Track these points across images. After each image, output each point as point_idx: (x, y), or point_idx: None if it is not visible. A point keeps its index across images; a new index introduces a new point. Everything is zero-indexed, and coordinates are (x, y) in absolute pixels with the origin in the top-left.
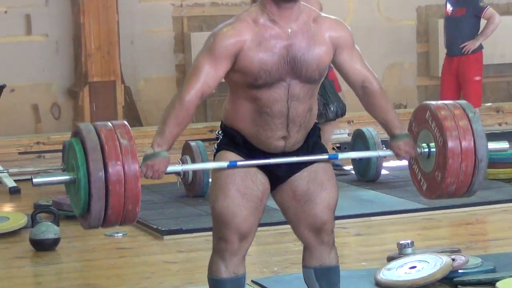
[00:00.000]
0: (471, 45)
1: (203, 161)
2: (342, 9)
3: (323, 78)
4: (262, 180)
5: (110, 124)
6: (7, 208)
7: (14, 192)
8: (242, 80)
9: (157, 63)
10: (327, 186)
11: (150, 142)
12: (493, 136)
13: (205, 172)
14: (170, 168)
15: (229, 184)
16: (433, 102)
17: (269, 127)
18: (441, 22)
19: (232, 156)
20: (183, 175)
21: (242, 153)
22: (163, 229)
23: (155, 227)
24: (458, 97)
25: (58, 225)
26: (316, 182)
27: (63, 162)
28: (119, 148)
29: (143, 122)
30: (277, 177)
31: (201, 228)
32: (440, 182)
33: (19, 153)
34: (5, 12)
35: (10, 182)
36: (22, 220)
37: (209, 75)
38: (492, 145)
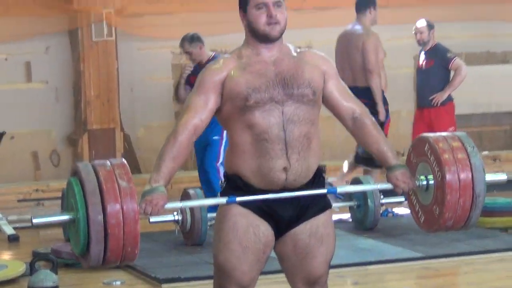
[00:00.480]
0: (439, 97)
1: (202, 209)
2: None
3: (319, 101)
4: (265, 233)
5: (109, 164)
6: (6, 256)
7: (13, 239)
8: (234, 107)
9: (156, 110)
10: (326, 241)
11: None
12: (491, 186)
13: (203, 220)
14: (169, 205)
15: (231, 237)
16: (432, 135)
17: (269, 156)
18: None
19: (234, 210)
20: (181, 223)
21: (244, 196)
22: (161, 277)
23: (153, 275)
24: None
25: (56, 273)
26: (316, 236)
27: (62, 210)
28: (118, 190)
29: (142, 169)
30: (279, 227)
31: (199, 277)
32: (438, 217)
33: (18, 201)
34: (5, 59)
35: (9, 230)
36: (20, 268)
37: (200, 109)
38: (490, 177)
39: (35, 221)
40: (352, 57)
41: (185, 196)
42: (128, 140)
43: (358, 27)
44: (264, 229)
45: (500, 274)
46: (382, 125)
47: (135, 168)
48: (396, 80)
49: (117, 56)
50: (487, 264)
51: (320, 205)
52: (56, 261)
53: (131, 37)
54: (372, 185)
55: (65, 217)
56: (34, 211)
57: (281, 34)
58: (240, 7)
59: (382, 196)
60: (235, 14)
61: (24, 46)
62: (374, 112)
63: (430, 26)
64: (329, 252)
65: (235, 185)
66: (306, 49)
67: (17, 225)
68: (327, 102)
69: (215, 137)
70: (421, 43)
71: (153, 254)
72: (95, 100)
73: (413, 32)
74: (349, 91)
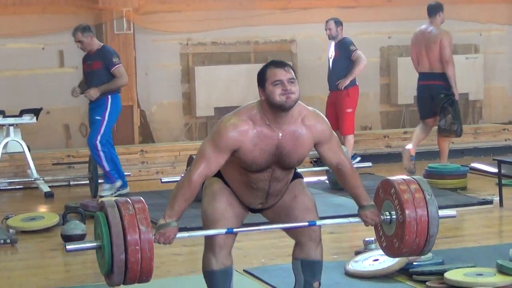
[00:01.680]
0: (343, 82)
1: None
2: (317, 50)
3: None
4: (242, 205)
5: (132, 209)
6: (43, 209)
7: (48, 196)
8: (237, 162)
9: (167, 91)
10: (299, 194)
11: (161, 156)
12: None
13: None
14: (178, 235)
15: (219, 195)
16: (398, 181)
17: (251, 195)
18: (400, 60)
19: (222, 186)
20: None
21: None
22: None
23: None
24: (337, 125)
25: (84, 223)
26: (290, 195)
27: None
28: (139, 234)
29: (155, 139)
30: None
31: (201, 227)
32: (397, 249)
33: (53, 164)
34: (43, 48)
35: (45, 188)
36: (55, 219)
37: (212, 162)
38: (442, 213)
39: (68, 247)
40: (430, 50)
41: (191, 161)
42: (144, 115)
43: (432, 28)
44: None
45: (450, 226)
46: (456, 102)
47: (149, 137)
48: (365, 68)
49: (135, 47)
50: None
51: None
52: (84, 213)
53: (146, 31)
54: (344, 219)
55: (93, 244)
56: (66, 172)
57: (295, 103)
58: (258, 85)
59: (352, 162)
60: (231, 12)
61: (58, 38)
62: (449, 93)
63: (337, 23)
64: (307, 201)
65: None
66: (310, 117)
67: (52, 184)
68: (319, 153)
69: (97, 117)
70: (331, 37)
71: (164, 208)
72: None
73: (324, 29)
74: (338, 146)
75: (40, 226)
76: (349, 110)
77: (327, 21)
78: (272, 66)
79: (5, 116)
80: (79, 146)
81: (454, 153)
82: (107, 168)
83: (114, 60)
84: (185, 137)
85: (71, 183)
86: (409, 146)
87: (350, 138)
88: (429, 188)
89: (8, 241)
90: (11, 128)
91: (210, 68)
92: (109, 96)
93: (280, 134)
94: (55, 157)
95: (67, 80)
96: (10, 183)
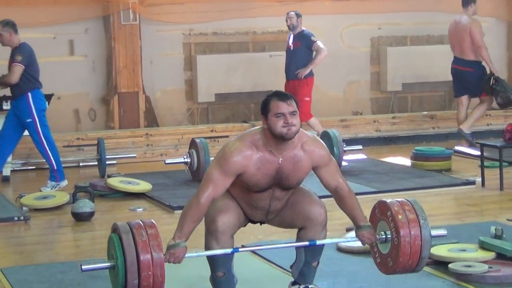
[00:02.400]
0: (303, 72)
1: (206, 154)
2: None
3: None
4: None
5: (145, 235)
6: None
7: None
8: (240, 183)
9: (170, 78)
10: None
11: (165, 139)
12: (428, 138)
13: (206, 162)
14: (187, 255)
15: (221, 198)
16: (394, 205)
17: (254, 211)
18: (389, 50)
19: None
20: (190, 164)
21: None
22: (174, 205)
23: (167, 204)
24: None
25: (93, 201)
26: (299, 205)
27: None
28: (151, 260)
29: (159, 123)
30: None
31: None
32: (390, 267)
33: (63, 146)
34: (54, 37)
35: None
36: (65, 197)
37: (219, 185)
38: (433, 233)
39: (84, 267)
40: (462, 39)
41: (193, 144)
42: (149, 100)
43: (464, 17)
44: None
45: (435, 205)
46: (499, 78)
47: (154, 122)
48: (357, 57)
49: (140, 36)
50: (426, 197)
51: None
52: (93, 192)
53: (151, 22)
54: (343, 239)
55: (107, 264)
56: (75, 154)
57: (295, 134)
58: (262, 113)
59: (344, 145)
60: (231, 4)
61: (68, 28)
62: (489, 75)
63: (298, 15)
64: (308, 193)
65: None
66: (310, 143)
67: (63, 165)
68: (318, 177)
69: (28, 120)
70: (291, 28)
71: (168, 187)
72: (123, 70)
73: (285, 19)
74: (336, 169)
75: (51, 204)
76: (307, 99)
77: (288, 13)
78: (275, 98)
79: None
80: (88, 130)
81: (439, 137)
82: (55, 166)
83: (16, 57)
84: (188, 121)
85: (80, 164)
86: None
87: (313, 119)
88: (423, 212)
89: (22, 218)
90: None
91: (211, 57)
92: (29, 94)
93: (281, 159)
94: (65, 140)
95: (76, 68)
96: (23, 164)
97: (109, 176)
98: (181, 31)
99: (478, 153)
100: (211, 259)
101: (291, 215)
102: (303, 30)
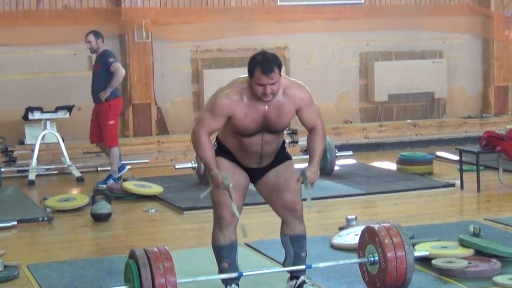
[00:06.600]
0: (103, 94)
1: None
2: (307, 55)
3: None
4: (244, 175)
5: (162, 268)
6: (74, 191)
7: (79, 180)
8: (231, 128)
9: (179, 90)
10: (289, 177)
11: (175, 146)
12: (412, 144)
13: None
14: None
15: (220, 162)
16: (382, 232)
17: (247, 157)
18: (376, 64)
19: (224, 162)
20: (197, 169)
21: (231, 159)
22: (183, 206)
23: (177, 205)
24: (100, 137)
25: (110, 203)
26: (281, 177)
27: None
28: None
29: (170, 131)
30: (254, 176)
31: (210, 206)
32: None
33: (83, 153)
34: (74, 54)
35: (77, 173)
36: (85, 200)
37: (210, 124)
38: (416, 254)
39: None
40: None
41: None
42: (160, 111)
43: None
44: (244, 174)
45: (419, 205)
46: None
47: (165, 130)
48: (347, 70)
49: (152, 53)
50: (410, 198)
51: (281, 158)
52: (110, 195)
53: (162, 39)
54: (335, 262)
55: (125, 287)
56: (94, 160)
57: (273, 97)
58: (248, 71)
59: (336, 151)
60: (234, 24)
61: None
62: None
63: (97, 35)
64: (294, 185)
65: (224, 151)
66: (292, 87)
67: (83, 170)
68: (299, 119)
69: None
70: (92, 51)
71: (178, 190)
72: (137, 83)
73: (85, 42)
74: (316, 112)
75: (72, 206)
76: (111, 122)
77: (86, 35)
78: (259, 68)
79: (42, 112)
80: None
81: (422, 143)
82: None
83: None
84: None
85: (98, 169)
86: None
87: (115, 150)
88: (407, 238)
89: (46, 218)
90: (48, 122)
91: (216, 71)
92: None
93: (266, 107)
94: (85, 147)
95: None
96: (47, 169)
97: (124, 180)
98: (189, 48)
99: (457, 158)
100: (217, 251)
101: (275, 178)
102: (104, 51)
